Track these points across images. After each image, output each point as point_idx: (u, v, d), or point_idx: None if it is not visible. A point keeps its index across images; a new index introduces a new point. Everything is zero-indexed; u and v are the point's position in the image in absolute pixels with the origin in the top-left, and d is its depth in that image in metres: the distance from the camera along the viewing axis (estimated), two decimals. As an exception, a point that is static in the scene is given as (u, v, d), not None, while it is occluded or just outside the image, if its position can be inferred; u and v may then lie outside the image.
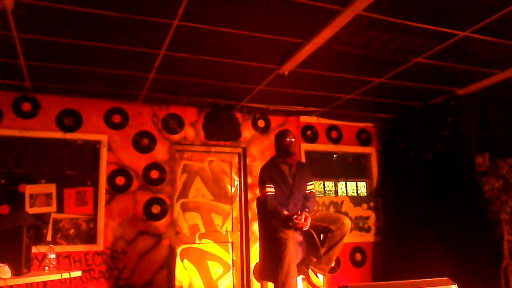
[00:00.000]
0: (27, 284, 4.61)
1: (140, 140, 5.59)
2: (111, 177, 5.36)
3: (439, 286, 2.39)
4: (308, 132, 6.51)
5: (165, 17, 3.50)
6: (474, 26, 3.79)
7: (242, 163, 6.15)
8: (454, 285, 2.37)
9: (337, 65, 4.64)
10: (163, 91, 5.29)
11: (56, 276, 3.77)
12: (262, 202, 4.01)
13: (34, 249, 4.02)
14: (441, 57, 4.42)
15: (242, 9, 3.43)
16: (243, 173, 6.12)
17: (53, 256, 4.02)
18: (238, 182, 6.13)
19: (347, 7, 3.39)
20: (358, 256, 6.41)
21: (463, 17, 3.66)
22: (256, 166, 5.88)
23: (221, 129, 5.95)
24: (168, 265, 5.41)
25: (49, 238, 5.02)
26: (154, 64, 4.43)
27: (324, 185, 6.64)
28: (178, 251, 5.63)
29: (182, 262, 5.63)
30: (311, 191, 4.14)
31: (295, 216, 3.72)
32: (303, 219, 3.72)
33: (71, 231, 5.15)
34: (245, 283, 5.82)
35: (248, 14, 3.52)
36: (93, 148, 5.42)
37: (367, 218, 6.69)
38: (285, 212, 3.81)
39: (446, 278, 2.41)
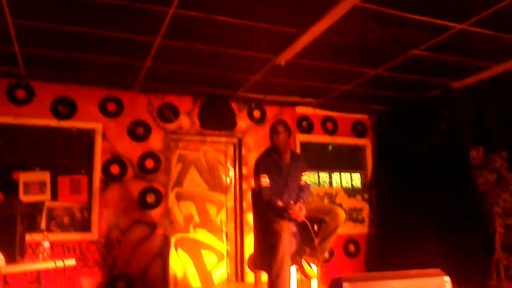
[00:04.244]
0: (21, 271, 4.61)
1: (135, 129, 5.57)
2: (105, 166, 5.35)
3: (430, 277, 2.40)
4: (304, 123, 6.51)
5: (161, 4, 3.47)
6: (471, 19, 3.78)
7: (237, 153, 6.15)
8: (446, 277, 2.38)
9: (333, 56, 4.63)
10: (158, 79, 5.26)
11: (50, 265, 3.77)
12: (257, 193, 4.01)
13: (28, 237, 4.01)
14: (437, 50, 4.42)
15: (239, -2, 3.41)
16: (238, 163, 6.11)
17: (47, 244, 4.02)
18: (233, 172, 6.13)
19: (345, -3, 3.37)
20: (352, 247, 6.45)
21: (460, 10, 3.64)
22: (251, 157, 5.87)
23: (216, 118, 5.93)
24: (162, 255, 5.42)
25: (43, 226, 5.01)
26: (150, 52, 4.40)
27: (318, 176, 6.66)
28: (172, 240, 5.64)
29: (176, 251, 5.64)
30: (305, 182, 4.14)
31: (290, 207, 3.73)
32: (297, 210, 3.73)
33: (65, 219, 5.14)
34: (239, 273, 5.84)
35: (245, 4, 3.49)
36: (87, 136, 5.39)
37: (361, 209, 6.72)
38: (280, 203, 3.81)
39: (438, 269, 2.43)
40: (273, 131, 4.09)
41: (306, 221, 3.79)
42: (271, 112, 6.31)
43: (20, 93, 5.12)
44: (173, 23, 3.78)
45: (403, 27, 3.92)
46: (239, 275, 5.83)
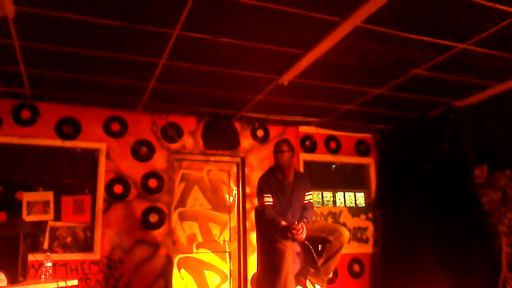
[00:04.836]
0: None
1: (138, 149, 5.58)
2: (109, 186, 5.35)
3: (437, 298, 2.39)
4: (307, 142, 6.51)
5: (165, 26, 3.51)
6: (473, 39, 3.81)
7: (240, 172, 6.14)
8: (452, 297, 2.36)
9: (336, 76, 4.65)
10: (162, 100, 5.29)
11: (52, 285, 3.75)
12: (261, 212, 4.00)
13: (31, 257, 4.00)
14: (439, 69, 4.44)
15: (242, 19, 3.45)
16: (242, 182, 6.10)
17: (49, 264, 4.00)
18: (236, 192, 6.12)
19: (347, 19, 3.41)
20: (356, 267, 6.38)
21: (462, 30, 3.68)
22: (254, 176, 5.87)
23: (220, 138, 5.96)
24: (165, 275, 5.37)
25: (45, 246, 4.99)
26: (154, 73, 4.44)
27: (322, 195, 6.63)
28: (175, 260, 5.60)
29: (179, 271, 5.60)
30: (309, 201, 4.14)
31: (293, 227, 3.72)
32: (300, 230, 3.71)
33: (68, 239, 5.13)
34: (242, 293, 5.79)
35: (248, 25, 3.54)
36: (91, 156, 5.41)
37: (365, 229, 6.67)
38: (283, 223, 3.80)
39: (444, 290, 2.41)
40: (278, 150, 4.10)
41: (306, 242, 3.76)
42: (275, 131, 6.33)
43: (25, 114, 5.16)
44: (177, 45, 3.82)
45: (405, 47, 3.95)
46: (242, 296, 5.78)
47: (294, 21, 3.46)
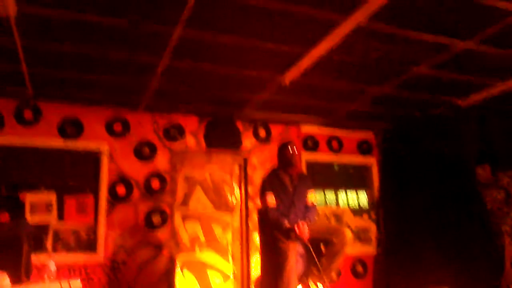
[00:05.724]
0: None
1: (141, 149, 5.58)
2: (112, 186, 5.34)
3: (441, 296, 2.38)
4: (309, 142, 6.50)
5: (167, 26, 3.51)
6: (475, 37, 3.80)
7: (243, 172, 6.13)
8: (456, 296, 2.35)
9: (338, 75, 4.65)
10: (164, 99, 5.29)
11: (56, 286, 3.74)
12: (264, 212, 4.00)
13: (34, 258, 4.00)
14: (442, 67, 4.43)
15: (244, 19, 3.45)
16: (244, 182, 6.09)
17: (52, 264, 3.99)
18: (239, 192, 6.11)
19: (348, 17, 3.41)
20: (359, 268, 6.36)
21: (464, 28, 3.67)
22: (257, 176, 5.86)
23: (222, 137, 5.95)
24: (168, 275, 5.37)
25: (49, 247, 4.99)
26: (156, 72, 4.43)
27: (325, 195, 6.61)
28: (178, 261, 5.59)
29: (182, 272, 5.59)
30: (312, 202, 4.13)
31: (297, 228, 3.71)
32: (302, 228, 3.70)
33: (71, 240, 5.12)
34: (245, 293, 5.78)
35: (250, 24, 3.54)
36: (94, 157, 5.40)
37: (368, 229, 6.64)
38: (287, 224, 3.79)
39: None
40: (288, 151, 4.08)
41: (307, 243, 3.76)
42: (277, 131, 6.32)
43: (28, 114, 5.15)
44: (179, 44, 3.82)
45: (407, 46, 3.95)
46: (245, 296, 5.77)
47: (296, 20, 3.46)
